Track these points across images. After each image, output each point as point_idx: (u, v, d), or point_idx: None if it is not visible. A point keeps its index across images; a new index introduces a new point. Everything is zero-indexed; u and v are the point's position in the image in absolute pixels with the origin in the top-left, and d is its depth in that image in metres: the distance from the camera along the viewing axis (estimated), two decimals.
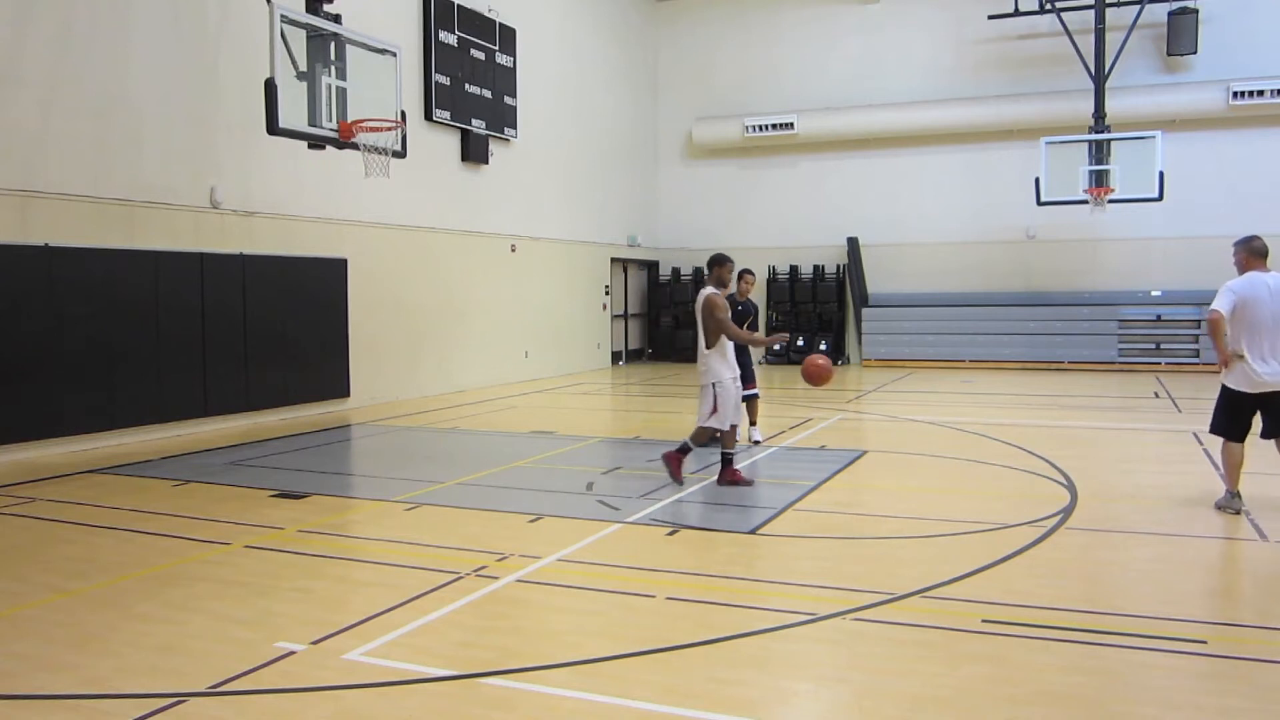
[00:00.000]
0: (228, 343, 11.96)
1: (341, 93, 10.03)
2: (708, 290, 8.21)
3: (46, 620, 5.07)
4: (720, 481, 8.31)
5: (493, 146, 17.11)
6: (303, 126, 9.65)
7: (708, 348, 8.14)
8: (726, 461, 8.35)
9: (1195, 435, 10.92)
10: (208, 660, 4.45)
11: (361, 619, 4.96)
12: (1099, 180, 17.56)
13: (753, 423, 10.58)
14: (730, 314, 8.34)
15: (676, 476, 8.31)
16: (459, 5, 16.16)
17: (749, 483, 8.31)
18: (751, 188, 23.26)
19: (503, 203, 17.65)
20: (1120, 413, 13.67)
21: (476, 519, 7.24)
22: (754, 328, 10.56)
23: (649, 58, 23.70)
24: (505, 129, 17.41)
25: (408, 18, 15.25)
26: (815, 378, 8.63)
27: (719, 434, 8.80)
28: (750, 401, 10.19)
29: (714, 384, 8.13)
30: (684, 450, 8.36)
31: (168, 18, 11.37)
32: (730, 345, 8.21)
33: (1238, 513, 7.14)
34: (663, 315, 23.36)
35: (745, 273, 10.57)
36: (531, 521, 7.09)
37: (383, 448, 11.09)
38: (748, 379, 9.82)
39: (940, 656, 4.50)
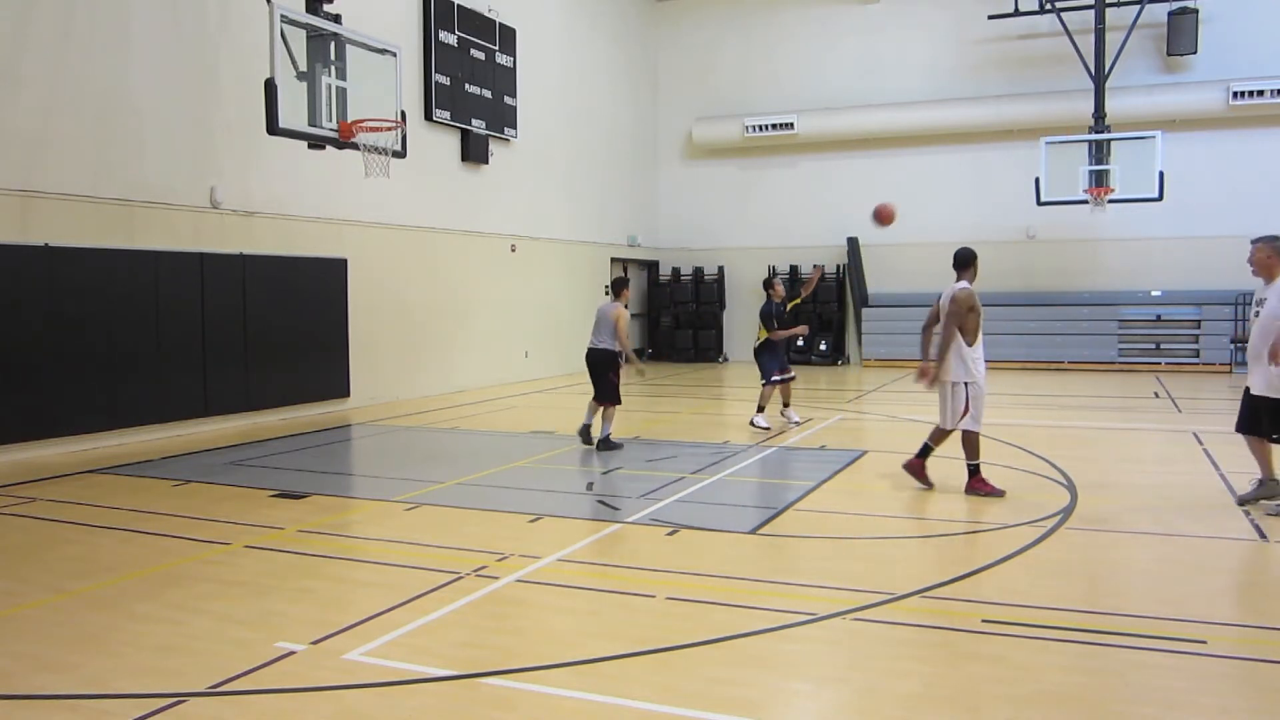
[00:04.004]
0: (228, 343, 11.96)
1: (341, 93, 10.02)
2: (959, 285, 7.82)
3: (46, 620, 5.07)
4: (968, 490, 7.83)
5: (493, 146, 17.11)
6: (303, 126, 9.65)
7: (970, 344, 7.76)
8: (974, 471, 7.87)
9: (1195, 435, 10.92)
10: (208, 660, 4.45)
11: (361, 619, 4.96)
12: (1099, 180, 17.55)
13: (787, 404, 11.97)
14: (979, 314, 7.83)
15: (996, 489, 7.77)
16: (459, 5, 16.16)
17: (1000, 493, 7.75)
18: (751, 188, 23.26)
19: (503, 203, 17.65)
20: (1120, 413, 13.67)
21: (476, 519, 7.24)
22: None
23: (649, 58, 23.70)
24: (505, 129, 17.41)
25: (408, 18, 15.25)
26: (885, 217, 10.42)
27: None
28: (785, 385, 11.97)
29: (964, 383, 7.78)
30: (973, 470, 7.86)
31: (168, 18, 11.36)
32: (981, 345, 7.83)
33: None
34: (663, 315, 23.37)
35: None
36: (531, 521, 7.09)
37: (383, 448, 11.08)
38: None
39: (940, 656, 4.50)
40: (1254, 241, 7.28)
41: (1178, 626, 4.82)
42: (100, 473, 9.15)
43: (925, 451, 8.11)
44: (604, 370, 10.20)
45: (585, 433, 10.40)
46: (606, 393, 10.19)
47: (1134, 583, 5.80)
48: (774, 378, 11.76)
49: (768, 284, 12.13)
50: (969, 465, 7.90)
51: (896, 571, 5.92)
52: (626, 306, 10.37)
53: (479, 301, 16.93)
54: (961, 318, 7.75)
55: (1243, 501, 7.37)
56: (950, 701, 3.98)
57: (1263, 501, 7.27)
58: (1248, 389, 7.27)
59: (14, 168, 9.81)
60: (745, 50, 23.09)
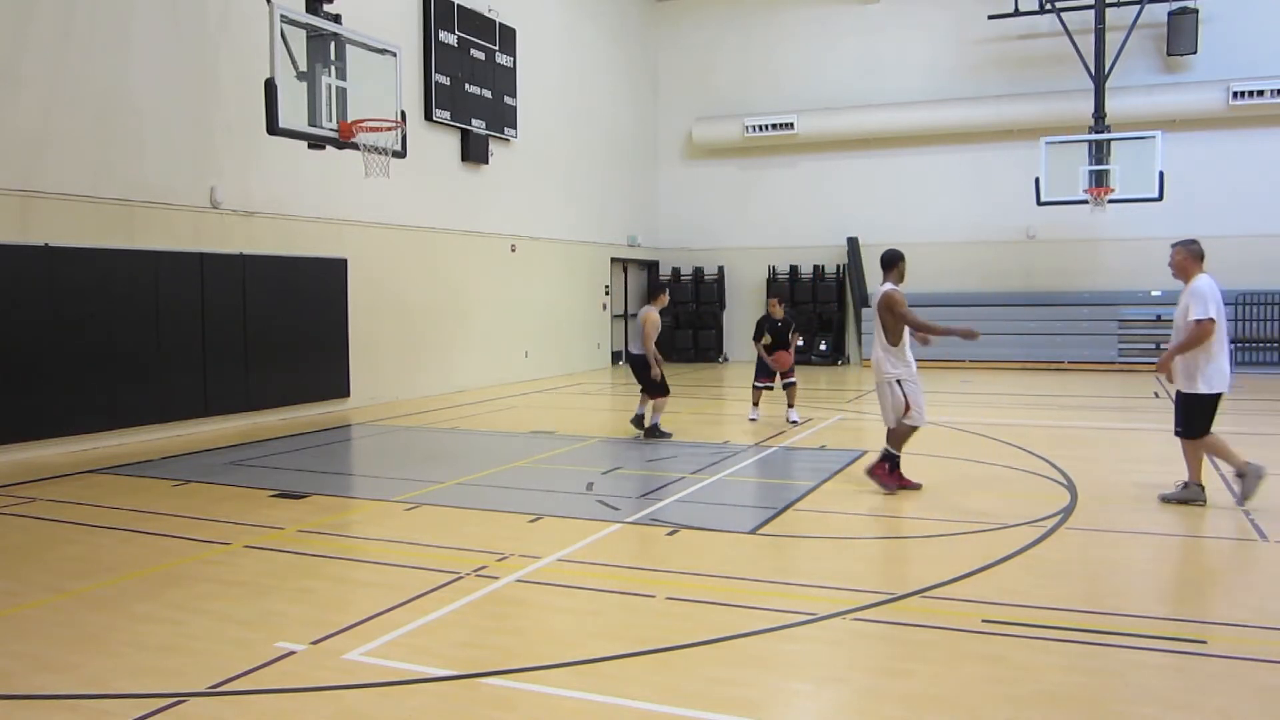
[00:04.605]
0: (228, 343, 11.96)
1: (341, 93, 10.02)
2: (887, 286, 7.89)
3: (46, 620, 5.07)
4: (890, 487, 7.93)
5: (493, 146, 17.11)
6: (303, 126, 9.64)
7: (893, 344, 7.82)
8: (894, 463, 8.00)
9: None
10: (208, 660, 4.45)
11: (361, 619, 4.96)
12: (1099, 180, 17.55)
13: (790, 405, 12.47)
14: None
15: (890, 484, 7.95)
16: (459, 5, 16.16)
17: (891, 490, 7.92)
18: (751, 188, 23.27)
19: (503, 203, 17.65)
20: (1120, 413, 13.67)
21: (476, 519, 7.25)
22: None
23: (649, 58, 23.70)
24: (505, 129, 17.41)
25: (408, 18, 15.25)
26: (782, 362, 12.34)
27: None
28: (790, 389, 12.52)
29: (898, 380, 7.84)
30: (889, 458, 7.98)
31: (168, 18, 11.36)
32: (908, 343, 7.92)
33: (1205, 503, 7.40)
34: (662, 315, 23.36)
35: None
36: (531, 521, 7.09)
37: (383, 448, 11.08)
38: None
39: (940, 656, 4.50)
40: (1173, 245, 7.54)
41: (1178, 626, 4.83)
42: (100, 473, 9.15)
43: (895, 464, 8.11)
44: (641, 371, 11.08)
45: (638, 421, 11.28)
46: (651, 389, 11.08)
47: (1134, 583, 5.80)
48: (755, 384, 12.72)
49: (770, 298, 13.40)
50: (885, 450, 7.99)
51: (896, 571, 5.92)
52: (662, 311, 11.31)
53: (479, 301, 16.93)
54: (905, 317, 7.82)
55: (1165, 500, 7.60)
56: (950, 701, 3.98)
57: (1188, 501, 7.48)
58: (1179, 390, 7.50)
59: (14, 168, 9.81)
60: (745, 50, 23.09)
